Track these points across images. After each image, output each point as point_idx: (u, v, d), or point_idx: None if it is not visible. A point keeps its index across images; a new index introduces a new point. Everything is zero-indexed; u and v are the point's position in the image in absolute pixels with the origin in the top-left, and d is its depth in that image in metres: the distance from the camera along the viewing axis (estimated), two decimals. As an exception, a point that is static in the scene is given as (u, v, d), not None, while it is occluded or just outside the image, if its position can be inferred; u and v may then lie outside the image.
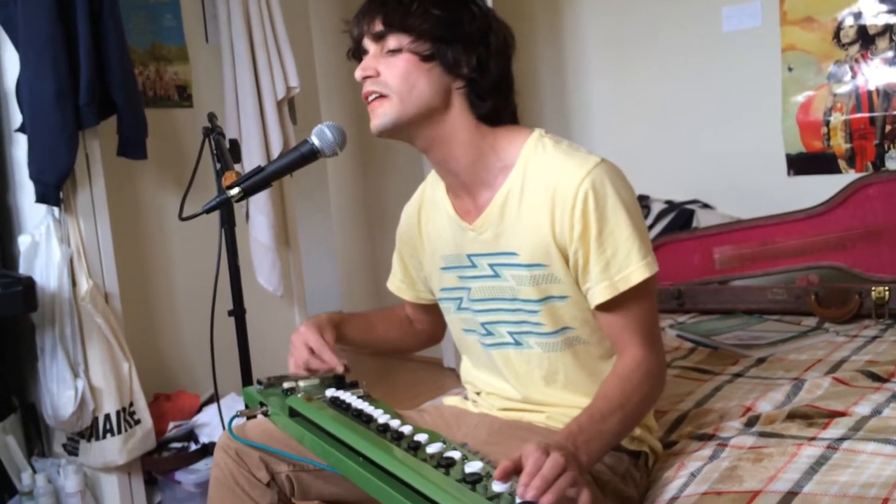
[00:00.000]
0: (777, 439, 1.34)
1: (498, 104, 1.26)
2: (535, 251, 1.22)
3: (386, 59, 1.22)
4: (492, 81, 1.24)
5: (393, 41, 1.21)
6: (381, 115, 1.23)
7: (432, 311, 1.55)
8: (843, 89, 2.79)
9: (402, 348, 1.64)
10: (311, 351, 1.32)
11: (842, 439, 1.30)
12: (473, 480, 0.89)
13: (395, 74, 1.21)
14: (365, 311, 1.61)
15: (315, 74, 4.62)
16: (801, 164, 2.91)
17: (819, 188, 2.60)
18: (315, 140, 1.37)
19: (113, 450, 2.35)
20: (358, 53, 1.28)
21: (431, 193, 1.41)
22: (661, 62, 3.23)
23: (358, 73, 1.24)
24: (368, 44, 1.24)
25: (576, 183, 1.17)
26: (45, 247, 2.30)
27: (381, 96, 1.22)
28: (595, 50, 3.45)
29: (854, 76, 2.77)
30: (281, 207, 3.15)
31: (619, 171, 1.22)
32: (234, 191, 1.42)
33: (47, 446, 2.55)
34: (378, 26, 1.21)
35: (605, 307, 1.21)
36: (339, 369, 1.32)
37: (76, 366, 2.31)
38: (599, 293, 1.19)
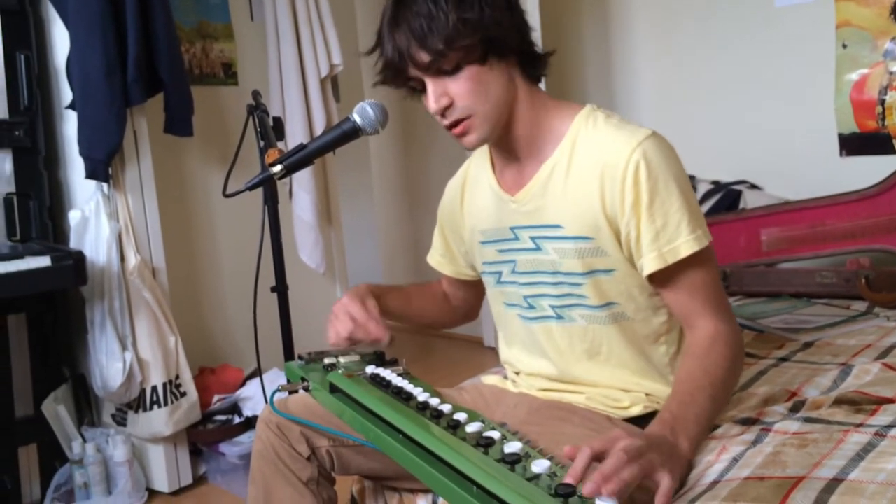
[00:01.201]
0: (823, 425, 1.31)
1: (541, 57, 1.26)
2: (581, 224, 1.21)
3: (450, 82, 1.18)
4: (530, 34, 1.24)
5: (446, 63, 1.16)
6: (476, 137, 1.21)
7: (469, 288, 1.55)
8: (900, 67, 2.70)
9: (438, 323, 1.64)
10: (355, 321, 1.31)
11: (890, 426, 1.26)
12: (513, 461, 0.89)
13: (467, 94, 1.18)
14: (401, 284, 1.61)
15: (359, 52, 4.60)
16: (853, 144, 2.83)
17: (872, 169, 2.52)
18: (357, 118, 1.37)
19: (160, 421, 2.41)
20: (398, 79, 1.23)
21: (476, 170, 1.41)
22: (710, 38, 3.16)
23: (433, 108, 1.19)
24: (416, 72, 1.19)
25: (627, 153, 1.16)
26: (95, 222, 2.35)
27: (464, 120, 1.20)
28: (642, 25, 3.38)
29: (912, 53, 2.68)
30: (324, 185, 3.17)
31: (669, 145, 1.21)
32: (277, 168, 1.43)
33: (97, 416, 2.62)
34: (423, 57, 1.15)
35: (662, 282, 1.20)
36: (386, 339, 1.30)
37: (124, 338, 2.36)
38: (648, 264, 1.18)
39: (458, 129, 1.21)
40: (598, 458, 0.88)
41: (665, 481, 0.91)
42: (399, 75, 1.21)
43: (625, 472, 0.85)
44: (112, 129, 2.28)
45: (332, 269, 3.21)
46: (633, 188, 1.16)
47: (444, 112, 1.19)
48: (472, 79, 1.17)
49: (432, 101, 1.19)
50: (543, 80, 1.31)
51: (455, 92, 1.18)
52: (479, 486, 0.86)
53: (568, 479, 0.83)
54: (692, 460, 1.29)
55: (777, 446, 1.23)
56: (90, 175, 2.33)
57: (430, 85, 1.19)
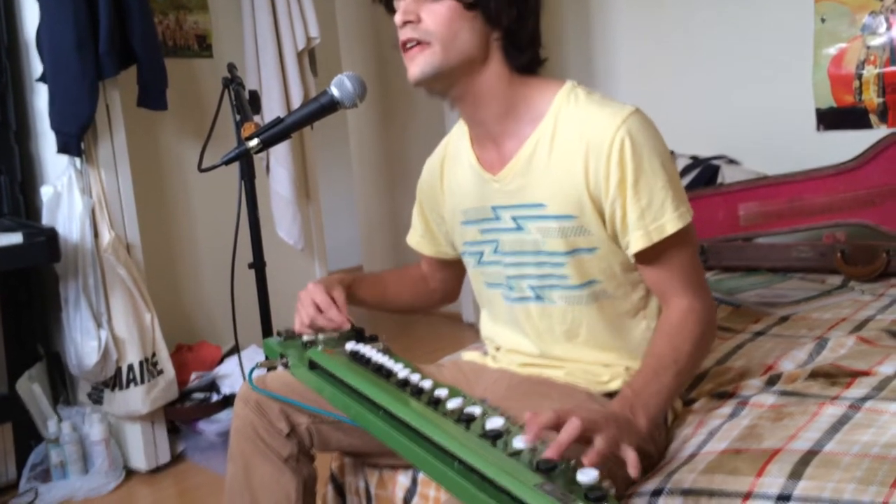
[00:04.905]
0: (798, 398, 1.33)
1: (533, 56, 1.24)
2: (565, 202, 1.20)
3: (427, 5, 1.18)
4: (529, 35, 1.22)
5: None
6: (422, 64, 1.19)
7: (449, 268, 1.54)
8: (877, 41, 2.71)
9: (416, 308, 1.63)
10: (319, 309, 1.32)
11: (864, 399, 1.28)
12: (494, 436, 0.89)
13: (438, 21, 1.17)
14: (378, 271, 1.60)
15: (336, 25, 4.56)
16: (831, 118, 2.84)
17: (849, 144, 2.54)
18: (335, 91, 1.35)
19: (136, 399, 2.39)
20: None
21: (455, 147, 1.40)
22: (690, 12, 3.15)
23: (398, 18, 1.19)
24: None
25: (611, 131, 1.15)
26: (68, 198, 2.31)
27: (421, 43, 1.19)
28: (621, 1, 3.37)
29: (889, 28, 2.68)
30: (301, 160, 3.14)
31: (651, 121, 1.21)
32: (253, 142, 1.41)
33: (72, 395, 2.60)
34: None
35: (645, 259, 1.20)
36: (346, 327, 1.31)
37: (99, 316, 2.34)
38: (634, 242, 1.18)
39: (408, 51, 1.20)
40: (556, 427, 0.89)
41: (630, 454, 0.92)
42: None
43: (600, 444, 0.88)
44: (84, 103, 2.24)
45: (310, 245, 3.19)
46: (618, 166, 1.15)
47: (405, 24, 1.19)
48: (448, 13, 1.17)
49: (401, 10, 1.19)
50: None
51: (426, 13, 1.18)
52: (460, 461, 0.86)
53: (549, 454, 0.83)
54: (666, 428, 1.31)
55: (753, 419, 1.24)
56: (62, 149, 2.29)
57: None
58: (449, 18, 1.17)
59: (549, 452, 0.83)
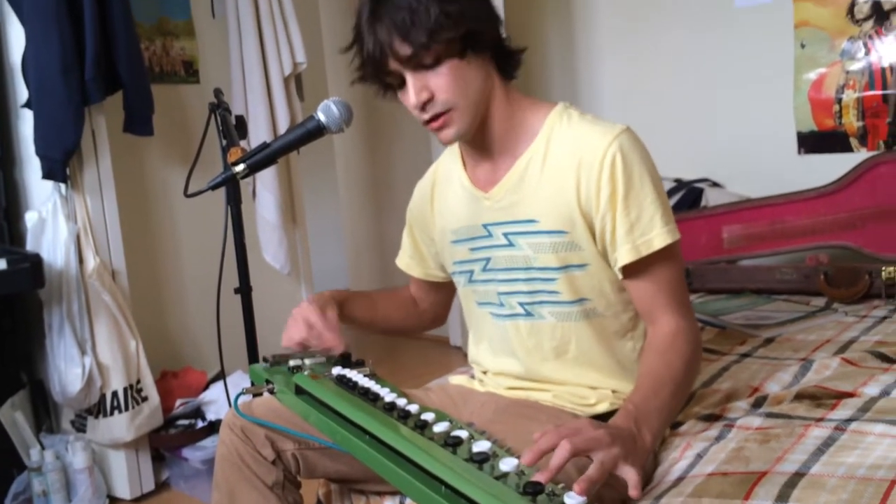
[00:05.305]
0: (784, 420, 1.33)
1: (514, 55, 1.27)
2: (557, 218, 1.22)
3: (430, 76, 1.18)
4: (502, 30, 1.25)
5: (428, 57, 1.16)
6: (453, 132, 1.21)
7: (439, 291, 1.55)
8: (856, 66, 2.75)
9: (405, 329, 1.63)
10: (311, 328, 1.31)
11: (850, 420, 1.28)
12: (481, 460, 0.88)
13: (448, 89, 1.18)
14: (368, 290, 1.60)
15: (322, 50, 4.57)
16: (812, 142, 2.88)
17: (830, 167, 2.57)
18: (321, 116, 1.36)
19: (120, 426, 2.36)
20: (377, 74, 1.22)
21: (445, 170, 1.42)
22: (672, 38, 3.19)
23: (413, 102, 1.19)
24: (396, 66, 1.19)
25: (603, 147, 1.17)
26: (52, 224, 2.30)
27: (445, 114, 1.20)
28: (605, 25, 3.41)
29: (868, 53, 2.73)
30: (288, 185, 3.14)
31: (641, 141, 1.23)
32: (240, 167, 1.41)
33: (55, 423, 2.57)
34: (405, 50, 1.15)
35: (632, 273, 1.21)
36: (339, 350, 1.31)
37: (83, 343, 2.32)
38: (622, 255, 1.19)
39: (436, 124, 1.21)
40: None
41: (631, 475, 0.93)
42: (379, 70, 1.21)
43: (592, 471, 0.88)
44: (69, 128, 2.23)
45: (296, 270, 3.18)
46: (609, 181, 1.17)
47: (423, 106, 1.19)
48: (451, 73, 1.17)
49: (412, 94, 1.18)
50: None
51: (435, 86, 1.18)
52: (447, 485, 0.86)
53: (539, 478, 0.83)
54: (653, 453, 1.31)
55: (740, 442, 1.25)
56: (47, 175, 2.28)
57: (411, 79, 1.18)
58: (455, 79, 1.18)
59: (540, 476, 0.83)
